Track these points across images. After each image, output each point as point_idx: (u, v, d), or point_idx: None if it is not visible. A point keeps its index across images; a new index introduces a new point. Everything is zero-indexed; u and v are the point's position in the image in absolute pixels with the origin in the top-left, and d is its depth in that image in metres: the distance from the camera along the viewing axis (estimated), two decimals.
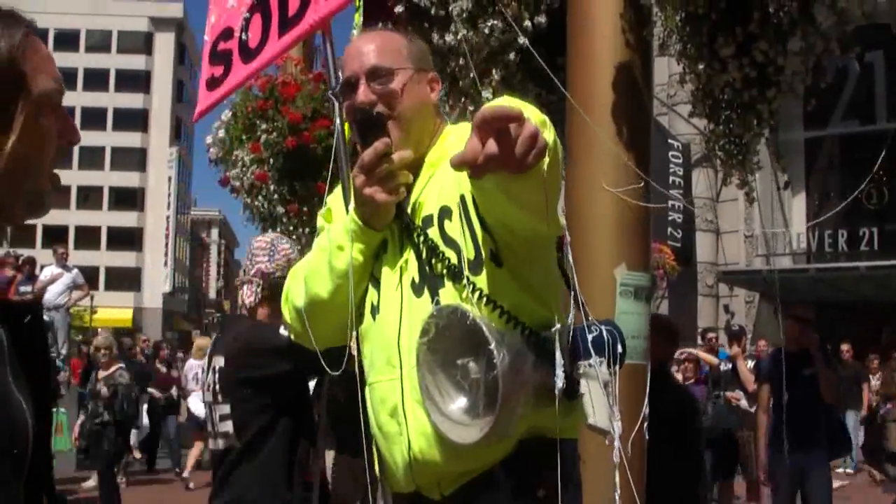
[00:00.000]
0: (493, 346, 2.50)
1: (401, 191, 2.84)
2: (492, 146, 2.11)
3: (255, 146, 8.43)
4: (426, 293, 2.81)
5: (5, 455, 1.60)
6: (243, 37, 4.91)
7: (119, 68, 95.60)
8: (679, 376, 14.21)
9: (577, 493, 2.88)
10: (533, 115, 2.27)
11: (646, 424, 4.30)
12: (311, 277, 3.05)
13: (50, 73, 1.80)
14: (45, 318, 15.84)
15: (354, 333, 3.04)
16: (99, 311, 58.12)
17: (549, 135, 2.26)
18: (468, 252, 2.72)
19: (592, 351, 2.72)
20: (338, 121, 3.43)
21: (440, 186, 2.83)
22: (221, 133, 8.98)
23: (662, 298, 18.13)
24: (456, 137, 2.89)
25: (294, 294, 3.15)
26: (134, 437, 18.60)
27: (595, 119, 4.32)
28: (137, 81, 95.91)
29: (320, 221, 3.27)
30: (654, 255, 14.63)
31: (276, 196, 8.65)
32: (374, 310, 2.96)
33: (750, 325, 23.68)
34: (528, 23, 4.79)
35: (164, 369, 20.12)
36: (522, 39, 4.64)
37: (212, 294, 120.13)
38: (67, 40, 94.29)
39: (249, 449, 4.76)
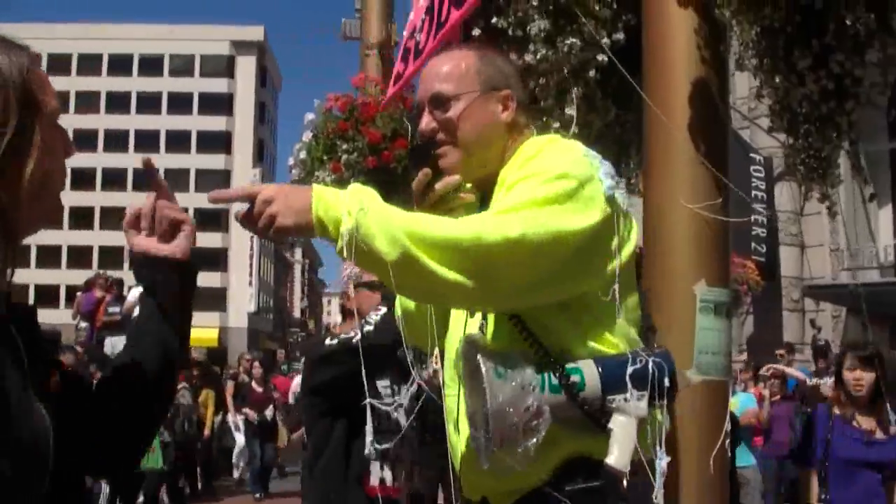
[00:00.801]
0: (486, 392, 2.55)
1: (455, 213, 2.90)
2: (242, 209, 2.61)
3: (335, 166, 8.50)
4: (478, 312, 2.89)
5: (28, 460, 1.69)
6: (417, 37, 5.19)
7: (202, 92, 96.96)
8: (766, 392, 14.03)
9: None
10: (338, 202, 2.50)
11: (727, 441, 4.27)
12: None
13: (51, 92, 1.90)
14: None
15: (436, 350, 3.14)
16: None
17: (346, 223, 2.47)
18: None
19: (629, 384, 2.69)
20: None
21: (497, 200, 2.84)
22: (303, 154, 9.08)
23: (747, 314, 17.94)
24: (523, 156, 2.90)
25: (397, 303, 3.34)
26: (235, 456, 18.81)
27: (672, 135, 4.31)
28: (220, 104, 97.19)
29: None
30: (737, 271, 14.51)
31: None
32: (448, 326, 3.07)
33: (837, 340, 23.31)
34: (606, 40, 4.79)
35: (258, 388, 19.24)
36: (601, 57, 4.64)
37: (296, 313, 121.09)
38: (151, 65, 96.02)
39: (314, 456, 4.93)
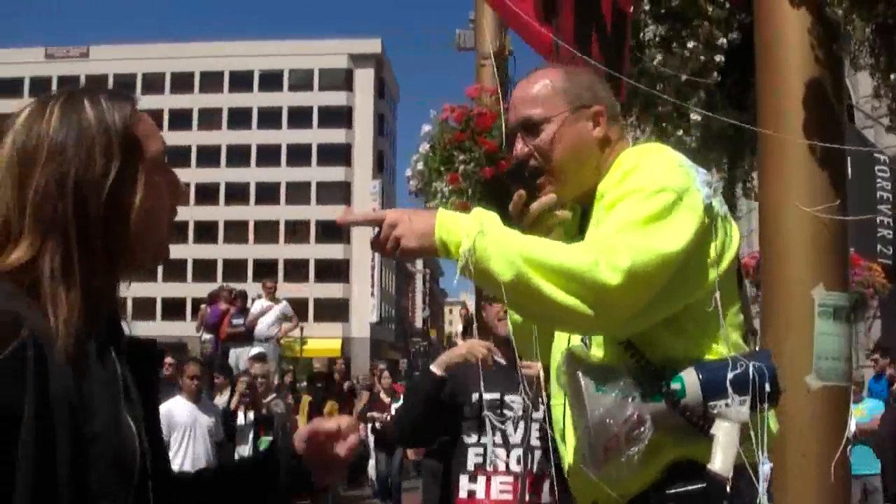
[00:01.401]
0: (585, 407, 2.62)
1: (553, 233, 2.97)
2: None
3: (453, 177, 8.54)
4: None
5: (115, 468, 1.84)
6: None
7: (321, 105, 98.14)
8: None
9: None
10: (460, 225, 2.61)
11: (849, 448, 4.19)
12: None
13: (156, 137, 2.05)
14: (260, 348, 16.40)
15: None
16: (308, 341, 59.64)
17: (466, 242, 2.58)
18: None
19: (730, 389, 2.68)
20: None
21: (598, 218, 2.90)
22: (420, 165, 9.14)
23: (874, 318, 17.48)
24: (621, 171, 2.91)
25: (508, 315, 3.34)
26: (371, 469, 18.93)
27: (787, 136, 4.25)
28: (339, 117, 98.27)
29: None
30: (863, 274, 14.16)
31: None
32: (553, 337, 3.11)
33: None
34: (723, 40, 4.74)
35: (386, 399, 18.57)
36: (719, 58, 4.59)
37: (418, 323, 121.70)
38: (271, 81, 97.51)
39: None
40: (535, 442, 4.84)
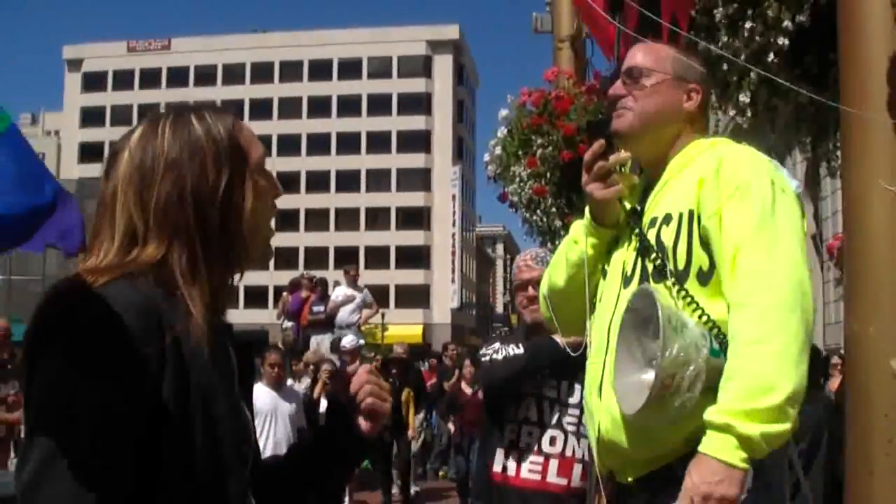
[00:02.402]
0: (661, 336, 2.69)
1: (619, 189, 3.14)
2: None
3: (531, 161, 8.53)
4: (633, 285, 3.05)
5: (236, 449, 2.05)
6: None
7: (400, 92, 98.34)
8: None
9: (764, 494, 2.90)
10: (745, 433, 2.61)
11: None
12: (552, 267, 3.46)
13: (257, 144, 2.23)
14: (340, 335, 16.51)
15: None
16: (390, 328, 59.94)
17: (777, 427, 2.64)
18: (678, 261, 2.94)
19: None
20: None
21: (674, 193, 3.06)
22: (498, 150, 9.13)
23: None
24: (705, 159, 3.05)
25: (542, 283, 3.56)
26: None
27: (869, 115, 4.16)
28: (419, 104, 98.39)
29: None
30: None
31: (553, 209, 8.74)
32: (600, 298, 3.23)
33: None
34: (787, 23, 4.66)
35: (468, 390, 16.70)
36: (782, 40, 4.53)
37: (499, 308, 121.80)
38: (350, 69, 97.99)
39: None
40: (568, 427, 4.83)
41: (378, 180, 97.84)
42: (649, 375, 2.75)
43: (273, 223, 2.31)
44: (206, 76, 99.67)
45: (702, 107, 3.24)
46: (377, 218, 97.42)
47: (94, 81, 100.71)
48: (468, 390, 17.09)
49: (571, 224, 8.55)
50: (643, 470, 2.97)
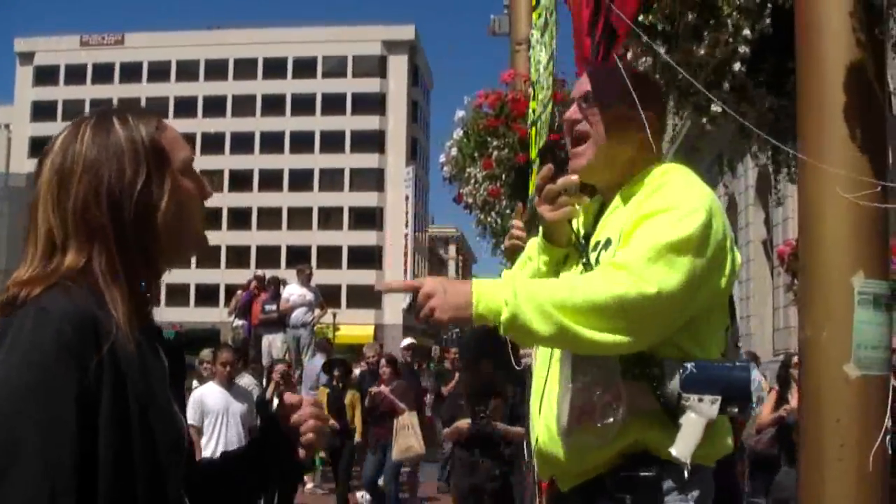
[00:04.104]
0: (569, 365, 2.88)
1: (567, 210, 3.23)
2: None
3: (487, 163, 8.53)
4: None
5: (173, 448, 2.08)
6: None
7: (355, 92, 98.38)
8: None
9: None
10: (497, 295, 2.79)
11: (888, 438, 4.15)
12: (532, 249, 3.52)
13: (182, 145, 2.28)
14: (294, 335, 16.45)
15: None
16: (341, 328, 59.87)
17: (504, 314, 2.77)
18: None
19: (706, 387, 2.97)
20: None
21: (614, 220, 3.18)
22: (454, 151, 9.13)
23: None
24: (651, 185, 3.16)
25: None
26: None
27: (826, 122, 4.19)
28: (373, 104, 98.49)
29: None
30: None
31: (508, 211, 8.74)
32: None
33: None
34: (746, 31, 4.68)
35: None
36: (744, 48, 4.55)
37: None
38: (305, 67, 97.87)
39: None
40: None
41: (331, 179, 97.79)
42: (564, 402, 2.91)
43: (202, 224, 2.34)
44: (159, 72, 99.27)
45: (656, 132, 3.31)
46: (330, 217, 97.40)
47: (45, 75, 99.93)
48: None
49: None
50: (576, 481, 3.07)
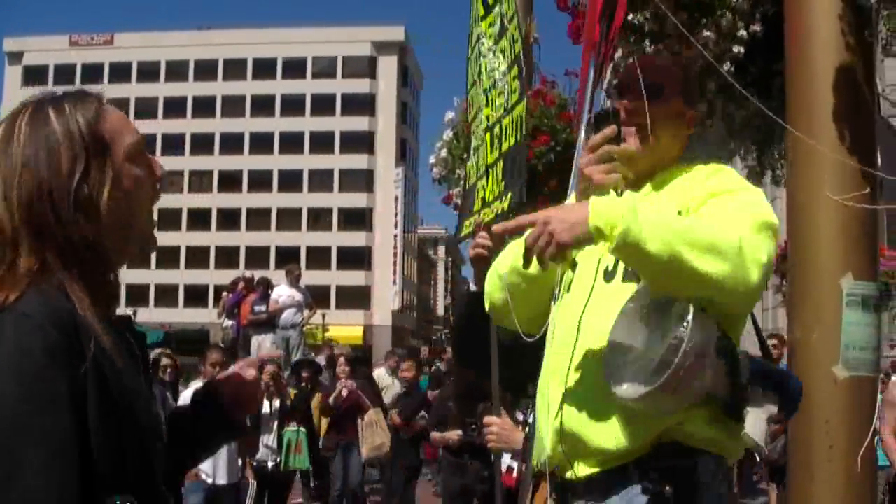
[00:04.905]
0: (688, 325, 2.70)
1: (618, 177, 3.07)
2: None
3: None
4: (616, 280, 3.06)
5: (150, 440, 2.09)
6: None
7: (345, 93, 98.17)
8: None
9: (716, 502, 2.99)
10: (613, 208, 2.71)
11: (877, 439, 4.16)
12: (518, 247, 3.21)
13: (128, 130, 2.20)
14: (283, 336, 16.41)
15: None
16: (330, 329, 59.78)
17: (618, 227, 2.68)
18: None
19: (766, 383, 2.92)
20: (582, 133, 3.51)
21: (656, 200, 3.09)
22: (444, 152, 9.11)
23: None
24: (694, 173, 3.17)
25: (500, 262, 3.43)
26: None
27: (816, 124, 4.20)
28: (363, 105, 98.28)
29: None
30: (889, 264, 14.05)
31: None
32: (567, 289, 3.21)
33: None
34: (742, 32, 4.70)
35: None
36: (737, 49, 4.56)
37: (439, 310, 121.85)
38: (295, 68, 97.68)
39: None
40: None
41: (321, 180, 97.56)
42: (666, 360, 2.74)
43: (150, 213, 2.26)
44: (148, 73, 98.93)
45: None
46: (319, 218, 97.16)
47: (34, 75, 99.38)
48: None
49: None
50: (598, 467, 2.96)
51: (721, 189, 2.99)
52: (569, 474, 3.03)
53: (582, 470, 2.99)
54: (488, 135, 4.98)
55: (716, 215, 2.89)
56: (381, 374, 18.95)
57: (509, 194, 4.59)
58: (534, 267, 2.96)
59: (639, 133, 3.15)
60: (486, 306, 3.54)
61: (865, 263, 4.26)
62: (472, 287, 4.85)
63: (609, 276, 3.08)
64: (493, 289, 3.44)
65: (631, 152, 3.13)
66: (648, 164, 3.19)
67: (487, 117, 5.02)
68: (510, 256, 3.32)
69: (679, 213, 2.96)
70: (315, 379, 14.81)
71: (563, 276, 3.22)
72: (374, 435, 13.61)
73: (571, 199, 3.39)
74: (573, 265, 3.19)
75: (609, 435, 2.91)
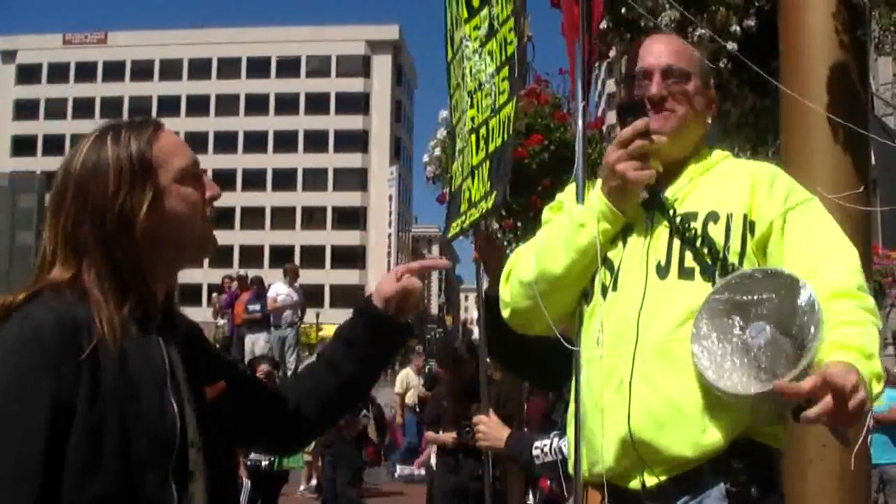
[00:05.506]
0: (819, 325, 2.59)
1: (652, 173, 2.95)
2: (827, 405, 2.40)
3: None
4: (672, 276, 2.91)
5: (157, 442, 2.15)
6: None
7: (339, 92, 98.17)
8: None
9: (781, 502, 2.89)
10: (867, 370, 2.54)
11: (870, 437, 4.16)
12: (544, 252, 3.14)
13: (181, 153, 2.37)
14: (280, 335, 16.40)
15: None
16: (325, 328, 59.72)
17: (877, 387, 2.60)
18: (731, 257, 2.89)
19: None
20: (580, 122, 3.44)
21: (705, 194, 2.99)
22: (437, 151, 9.10)
23: (892, 307, 17.41)
24: (741, 168, 3.10)
25: (520, 270, 3.23)
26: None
27: (810, 123, 4.20)
28: (357, 104, 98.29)
29: (547, 214, 3.37)
30: (882, 262, 14.08)
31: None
32: (605, 289, 3.01)
33: None
34: (736, 27, 4.69)
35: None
36: (732, 45, 4.56)
37: (433, 310, 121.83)
38: (289, 67, 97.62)
39: None
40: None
41: (315, 179, 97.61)
42: (794, 356, 2.64)
43: (205, 225, 2.42)
44: (142, 71, 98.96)
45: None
46: (313, 217, 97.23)
47: (28, 73, 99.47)
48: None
49: (508, 228, 8.46)
50: (666, 473, 2.81)
51: (794, 202, 2.95)
52: (633, 484, 2.87)
53: (651, 479, 2.84)
54: (473, 136, 4.96)
55: (820, 250, 2.87)
56: (408, 373, 19.00)
57: (494, 193, 4.57)
58: (576, 253, 3.01)
59: (668, 117, 3.04)
60: (505, 314, 3.35)
61: (859, 262, 4.26)
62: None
63: (662, 271, 2.93)
64: (516, 297, 3.25)
65: (664, 143, 2.99)
66: (677, 148, 3.06)
67: (472, 119, 5.00)
68: (533, 264, 3.16)
69: (751, 222, 2.94)
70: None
71: (597, 277, 3.05)
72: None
73: (571, 192, 3.30)
74: (609, 264, 3.03)
75: (687, 441, 2.77)
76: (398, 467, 18.21)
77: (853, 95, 4.24)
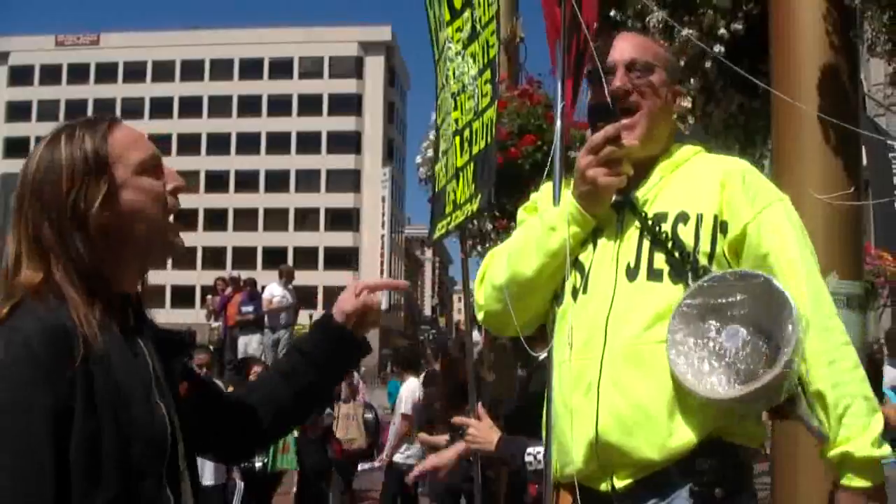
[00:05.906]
0: (794, 329, 2.61)
1: (624, 178, 2.95)
2: None
3: None
4: (640, 278, 2.91)
5: (148, 448, 2.15)
6: None
7: (331, 93, 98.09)
8: None
9: (752, 501, 2.91)
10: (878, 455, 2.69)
11: None
12: (515, 255, 3.15)
13: (139, 147, 2.34)
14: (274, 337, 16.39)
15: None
16: None
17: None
18: (701, 259, 2.88)
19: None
20: (558, 123, 3.44)
21: (675, 193, 2.98)
22: (430, 152, 9.10)
23: (885, 307, 17.38)
24: (710, 165, 3.07)
25: (493, 273, 3.26)
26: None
27: (801, 124, 4.21)
28: (349, 105, 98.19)
29: (522, 215, 3.38)
30: (874, 263, 14.08)
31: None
32: (576, 292, 3.01)
33: None
34: (723, 31, 4.70)
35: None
36: (718, 47, 4.57)
37: (427, 311, 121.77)
38: (282, 68, 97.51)
39: None
40: None
41: (307, 181, 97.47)
42: (775, 359, 2.66)
43: (166, 218, 2.38)
44: (135, 72, 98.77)
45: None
46: (306, 218, 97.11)
47: (20, 75, 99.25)
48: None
49: (501, 228, 8.43)
50: (634, 476, 2.82)
51: (763, 204, 2.93)
52: (603, 486, 2.88)
53: (620, 481, 2.85)
54: (458, 138, 4.95)
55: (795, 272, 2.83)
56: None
57: (479, 196, 4.57)
58: (546, 256, 3.02)
59: (636, 128, 3.02)
60: (479, 317, 3.37)
61: (851, 262, 4.27)
62: None
63: (632, 273, 2.92)
64: (489, 300, 3.25)
65: (636, 146, 2.98)
66: (647, 144, 3.04)
67: (456, 121, 4.99)
68: (504, 267, 3.17)
69: (723, 222, 2.92)
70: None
71: (567, 280, 3.05)
72: (349, 429, 13.49)
73: (545, 191, 3.32)
74: (580, 267, 3.03)
75: (653, 444, 2.78)
76: None
77: (844, 96, 4.25)
